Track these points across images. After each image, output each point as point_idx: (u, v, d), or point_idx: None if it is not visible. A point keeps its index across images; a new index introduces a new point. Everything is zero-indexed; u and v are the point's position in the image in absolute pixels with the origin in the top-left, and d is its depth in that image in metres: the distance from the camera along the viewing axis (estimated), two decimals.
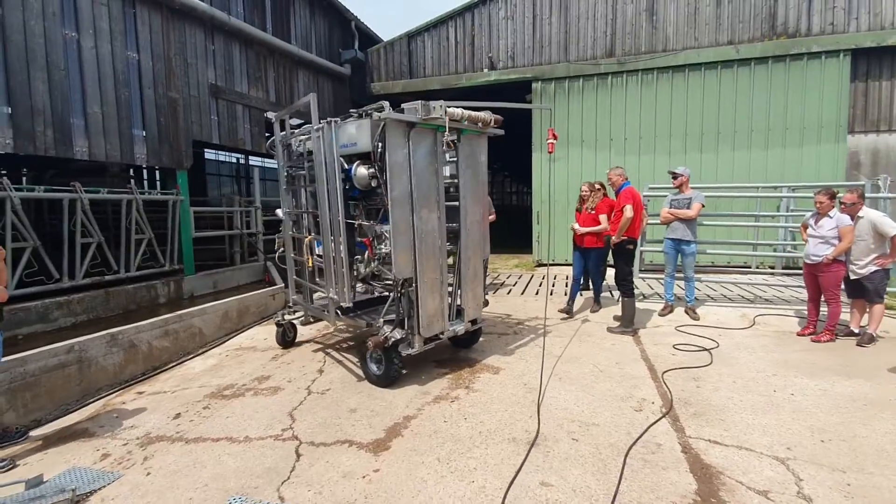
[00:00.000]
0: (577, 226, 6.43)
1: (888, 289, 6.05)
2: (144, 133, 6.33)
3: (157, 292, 6.55)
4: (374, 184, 4.18)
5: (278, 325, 5.67)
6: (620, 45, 10.16)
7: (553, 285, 8.74)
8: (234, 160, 16.54)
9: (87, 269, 5.71)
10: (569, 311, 6.65)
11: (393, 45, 11.71)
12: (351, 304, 4.52)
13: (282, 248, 5.68)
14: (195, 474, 3.18)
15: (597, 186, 6.49)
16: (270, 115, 5.21)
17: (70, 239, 5.45)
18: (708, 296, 7.37)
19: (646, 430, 3.44)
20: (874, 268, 5.07)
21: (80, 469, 3.30)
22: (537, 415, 3.74)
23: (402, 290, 4.20)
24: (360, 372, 4.73)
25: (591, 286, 7.20)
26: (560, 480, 2.89)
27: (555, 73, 10.46)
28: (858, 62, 8.96)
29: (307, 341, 5.93)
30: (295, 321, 5.83)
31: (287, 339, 5.66)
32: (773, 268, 9.09)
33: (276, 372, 4.99)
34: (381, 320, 4.41)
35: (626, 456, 3.12)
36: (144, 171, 11.16)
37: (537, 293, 8.18)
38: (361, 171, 4.18)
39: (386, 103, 4.00)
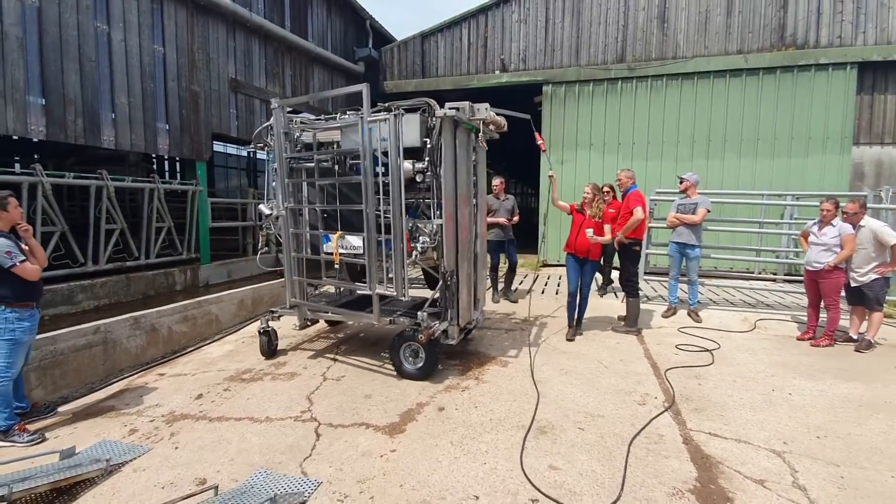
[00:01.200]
0: (591, 233, 5.43)
1: (888, 297, 6.21)
2: (167, 124, 6.51)
3: (174, 279, 6.74)
4: (418, 178, 4.29)
5: (263, 332, 5.10)
6: (631, 52, 10.31)
7: (559, 285, 8.90)
8: (244, 153, 16.69)
9: (110, 255, 5.89)
10: (575, 335, 5.80)
11: (406, 44, 11.88)
12: (407, 298, 4.47)
13: (265, 248, 5.38)
14: (221, 449, 3.36)
15: (605, 190, 6.46)
16: (276, 101, 4.65)
17: (95, 225, 5.63)
18: (710, 299, 7.52)
19: (649, 422, 3.61)
20: (874, 276, 5.22)
21: (110, 442, 3.48)
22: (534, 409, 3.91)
23: (449, 283, 4.37)
24: (371, 362, 4.91)
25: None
26: (567, 465, 3.06)
27: (566, 77, 10.61)
28: (865, 75, 9.09)
29: (316, 337, 6.11)
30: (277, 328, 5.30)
31: (272, 347, 5.18)
32: (775, 274, 9.23)
33: (292, 359, 5.17)
34: (424, 314, 4.39)
35: (631, 445, 3.28)
36: (160, 162, 11.34)
37: (543, 292, 8.35)
38: (406, 165, 4.22)
39: (433, 101, 4.22)
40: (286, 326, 5.74)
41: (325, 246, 4.79)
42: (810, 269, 5.54)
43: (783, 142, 9.49)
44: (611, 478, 2.92)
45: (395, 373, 4.59)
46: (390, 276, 4.35)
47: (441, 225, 4.32)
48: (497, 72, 11.14)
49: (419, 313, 4.42)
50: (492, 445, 3.30)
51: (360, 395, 4.19)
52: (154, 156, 10.81)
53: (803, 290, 6.26)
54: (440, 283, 4.43)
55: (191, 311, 5.73)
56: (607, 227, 5.60)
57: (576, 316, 5.86)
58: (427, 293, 5.14)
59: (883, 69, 9.02)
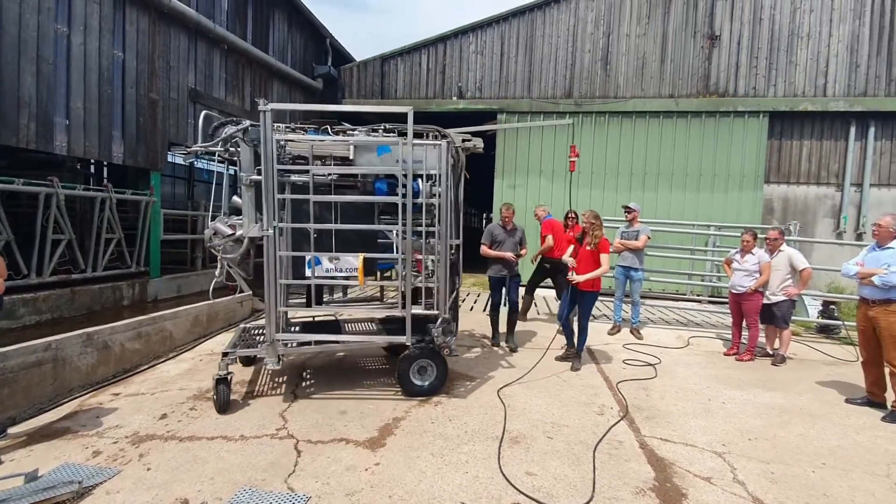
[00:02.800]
0: (574, 275, 5.33)
1: (795, 318, 7.12)
2: (123, 132, 6.26)
3: (122, 294, 6.39)
4: (433, 202, 4.41)
5: (221, 381, 4.15)
6: (578, 88, 11.17)
7: None
8: (186, 163, 15.97)
9: (55, 267, 5.53)
10: (569, 356, 5.80)
11: (367, 65, 12.09)
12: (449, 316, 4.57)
13: (221, 278, 4.60)
14: (198, 469, 3.30)
15: (570, 216, 7.00)
16: (264, 104, 3.99)
17: (42, 234, 5.28)
18: (649, 318, 8.22)
19: (608, 431, 3.96)
20: (783, 297, 6.02)
21: (74, 465, 3.31)
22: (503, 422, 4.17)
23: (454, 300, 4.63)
24: (343, 378, 4.96)
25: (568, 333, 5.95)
26: (542, 470, 3.32)
27: (519, 108, 11.27)
28: (774, 123, 10.46)
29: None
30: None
31: (229, 398, 4.25)
32: (700, 295, 10.22)
33: (256, 377, 5.09)
34: (439, 329, 4.48)
35: (595, 451, 3.61)
36: (99, 169, 10.64)
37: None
38: (425, 188, 4.41)
39: (445, 130, 4.58)
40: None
41: (315, 269, 4.32)
42: (734, 291, 6.28)
43: (707, 178, 10.63)
44: (581, 481, 3.21)
45: (366, 389, 4.67)
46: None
47: (459, 245, 4.69)
48: (455, 98, 11.61)
49: (433, 329, 4.47)
50: (471, 455, 3.50)
51: (335, 411, 4.24)
52: (93, 162, 10.15)
53: (726, 310, 7.06)
54: (442, 298, 4.49)
55: (145, 327, 5.47)
56: (605, 257, 5.35)
57: (575, 340, 5.74)
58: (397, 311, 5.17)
59: (790, 118, 10.42)
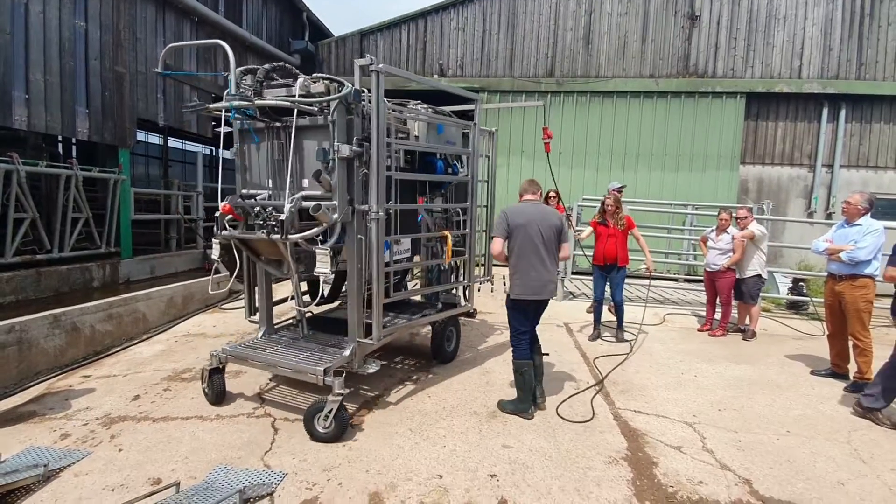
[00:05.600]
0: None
1: (767, 295, 7.31)
2: (88, 107, 5.99)
3: (91, 275, 6.21)
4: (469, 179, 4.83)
5: (216, 371, 3.86)
6: (559, 67, 11.09)
7: (504, 284, 9.34)
8: (160, 142, 15.44)
9: (18, 247, 5.32)
10: (598, 336, 6.03)
11: (345, 40, 11.78)
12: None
13: (219, 265, 3.98)
14: (172, 449, 3.26)
15: (551, 195, 6.97)
16: (380, 66, 3.46)
17: (2, 213, 5.06)
18: (626, 296, 8.34)
19: (578, 392, 4.03)
20: (750, 273, 6.14)
21: (41, 448, 3.23)
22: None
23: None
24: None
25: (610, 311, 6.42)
26: (518, 443, 3.38)
27: (500, 86, 11.15)
28: (751, 104, 10.57)
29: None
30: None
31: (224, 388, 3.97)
32: (677, 274, 10.42)
33: None
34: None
35: (571, 424, 3.68)
36: (67, 146, 10.18)
37: (479, 290, 8.72)
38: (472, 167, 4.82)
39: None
40: (220, 326, 5.52)
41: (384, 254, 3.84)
42: (709, 269, 6.40)
43: (685, 158, 10.74)
44: (556, 452, 3.27)
45: None
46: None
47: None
48: (436, 76, 11.41)
49: (465, 302, 5.02)
50: (448, 430, 3.53)
51: (314, 388, 4.21)
52: (60, 139, 9.72)
53: (701, 289, 7.20)
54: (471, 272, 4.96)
55: (116, 308, 5.34)
56: (636, 231, 5.99)
57: (601, 320, 6.09)
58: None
59: (766, 100, 10.54)
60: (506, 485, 2.89)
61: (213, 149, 15.89)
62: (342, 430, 3.36)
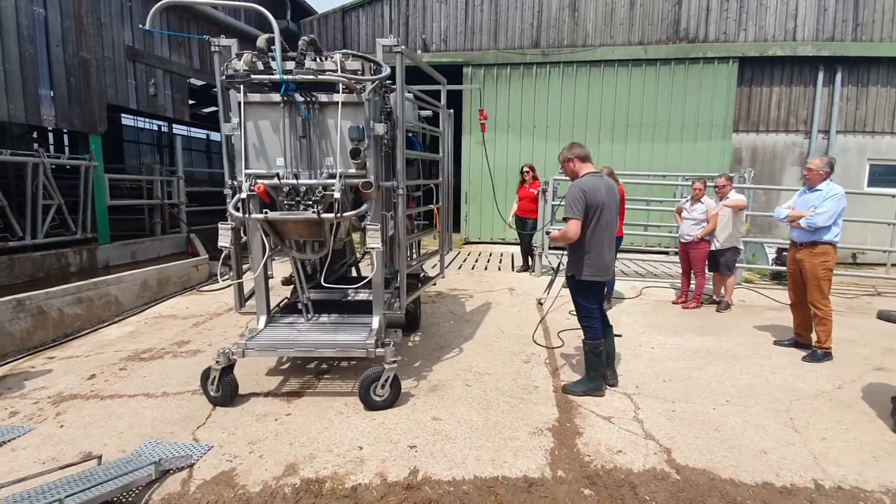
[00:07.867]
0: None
1: (748, 265, 7.14)
2: (52, 93, 6.04)
3: (67, 261, 6.35)
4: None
5: (227, 370, 3.59)
6: (545, 38, 10.77)
7: (476, 261, 9.32)
8: (155, 127, 15.60)
9: None
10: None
11: (327, 18, 11.60)
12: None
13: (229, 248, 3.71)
14: (110, 425, 3.36)
15: (525, 170, 7.09)
16: (401, 46, 3.71)
17: None
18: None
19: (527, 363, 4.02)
20: (728, 244, 6.00)
21: None
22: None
23: None
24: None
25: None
26: (448, 416, 3.39)
27: (485, 60, 10.90)
28: (745, 69, 10.15)
29: (229, 310, 6.05)
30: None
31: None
32: (669, 247, 10.24)
33: (197, 337, 5.13)
34: None
35: (508, 396, 3.68)
36: (42, 134, 10.33)
37: (460, 267, 8.71)
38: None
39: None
40: (193, 307, 5.61)
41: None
42: (683, 240, 6.27)
43: (676, 128, 10.42)
44: (484, 423, 3.28)
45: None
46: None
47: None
48: (419, 51, 11.19)
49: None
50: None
51: (264, 367, 4.29)
52: (44, 129, 9.87)
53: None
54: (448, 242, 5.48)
55: (85, 292, 5.46)
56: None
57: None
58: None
59: (760, 64, 10.11)
60: (422, 455, 2.91)
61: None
62: (397, 395, 3.55)
